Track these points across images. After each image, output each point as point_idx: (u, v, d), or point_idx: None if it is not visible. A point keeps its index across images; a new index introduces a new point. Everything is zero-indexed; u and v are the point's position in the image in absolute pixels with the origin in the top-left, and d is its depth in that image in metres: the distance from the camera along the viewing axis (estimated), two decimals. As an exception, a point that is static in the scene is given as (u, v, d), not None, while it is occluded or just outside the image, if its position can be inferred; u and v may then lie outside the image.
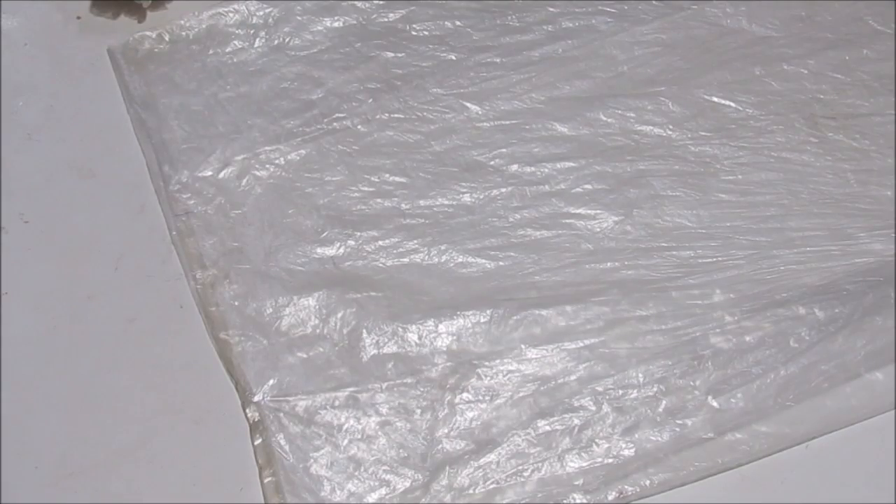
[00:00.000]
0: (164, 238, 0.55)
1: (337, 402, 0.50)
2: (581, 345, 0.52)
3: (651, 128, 0.61)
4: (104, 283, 0.53)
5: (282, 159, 0.58)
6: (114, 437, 0.49)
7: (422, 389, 0.50)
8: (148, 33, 0.62)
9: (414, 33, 0.64)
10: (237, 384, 0.51)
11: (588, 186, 0.58)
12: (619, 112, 0.61)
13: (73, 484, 0.48)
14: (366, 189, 0.57)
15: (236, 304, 0.53)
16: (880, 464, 0.50)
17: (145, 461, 0.49)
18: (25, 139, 0.59)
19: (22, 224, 0.55)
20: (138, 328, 0.52)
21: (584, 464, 0.48)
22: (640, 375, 0.51)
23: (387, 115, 0.60)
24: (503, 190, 0.58)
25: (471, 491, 0.48)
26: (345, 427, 0.49)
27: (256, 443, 0.49)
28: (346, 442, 0.49)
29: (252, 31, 0.63)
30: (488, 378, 0.51)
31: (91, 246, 0.55)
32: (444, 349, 0.52)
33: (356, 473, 0.48)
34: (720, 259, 0.55)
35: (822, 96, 0.63)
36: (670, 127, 0.61)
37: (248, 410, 0.50)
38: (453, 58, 0.63)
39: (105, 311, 0.53)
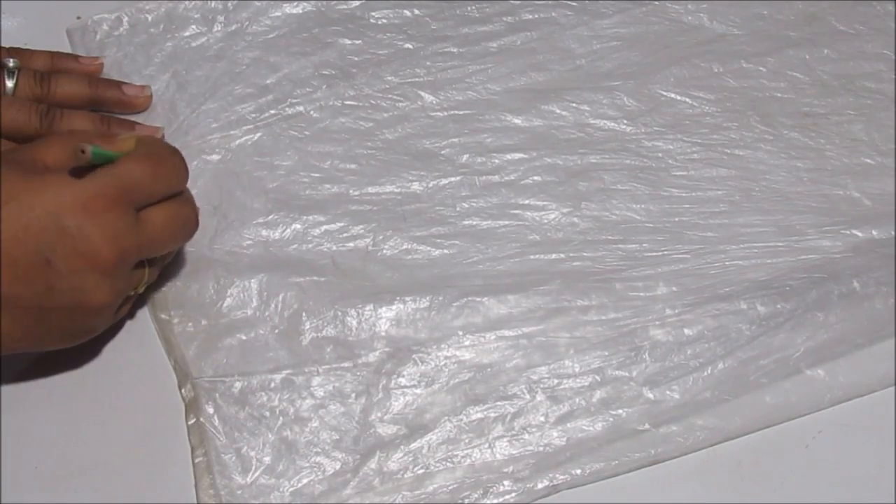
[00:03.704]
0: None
1: (273, 385, 0.50)
2: (520, 333, 0.52)
3: (605, 122, 0.61)
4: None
5: (233, 144, 0.58)
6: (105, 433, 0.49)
7: (358, 374, 0.50)
8: (107, 16, 0.63)
9: (373, 21, 0.64)
10: (175, 364, 0.51)
11: (538, 178, 0.58)
12: (574, 105, 0.61)
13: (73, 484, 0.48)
14: (315, 175, 0.57)
15: (178, 284, 0.53)
16: (880, 464, 0.49)
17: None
18: (24, 139, 0.59)
19: None
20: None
21: (515, 451, 0.48)
22: (577, 365, 0.51)
23: (340, 102, 0.60)
24: (453, 179, 0.58)
25: (400, 475, 0.47)
26: (279, 409, 0.49)
27: (190, 422, 0.49)
28: (279, 424, 0.49)
29: (211, 16, 0.63)
30: (425, 364, 0.51)
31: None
32: (383, 334, 0.52)
33: (287, 455, 0.48)
34: (666, 253, 0.55)
35: (779, 95, 0.63)
36: (624, 121, 0.61)
37: (183, 390, 0.50)
38: (410, 47, 0.63)
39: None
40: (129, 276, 0.46)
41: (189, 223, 0.49)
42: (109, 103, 0.58)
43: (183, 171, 0.47)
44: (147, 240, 0.45)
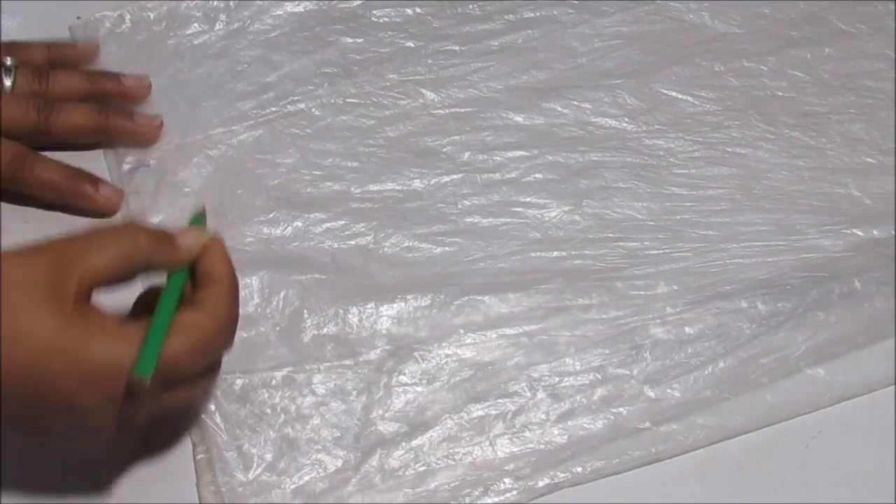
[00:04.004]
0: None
1: (274, 382, 0.50)
2: (520, 331, 0.52)
3: (606, 120, 0.61)
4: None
5: (234, 140, 0.58)
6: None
7: (359, 371, 0.50)
8: (109, 14, 0.63)
9: (374, 19, 0.64)
10: (177, 361, 0.51)
11: (539, 176, 0.58)
12: (576, 103, 0.61)
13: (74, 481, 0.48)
14: (317, 172, 0.57)
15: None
16: (880, 464, 0.49)
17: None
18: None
19: (22, 224, 0.55)
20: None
21: (516, 449, 0.48)
22: (578, 363, 0.51)
23: (342, 99, 0.60)
24: (454, 177, 0.58)
25: (401, 472, 0.47)
26: (280, 406, 0.49)
27: (192, 420, 0.49)
28: (280, 421, 0.49)
29: (212, 15, 0.63)
30: (426, 362, 0.51)
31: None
32: (385, 332, 0.52)
33: (289, 452, 0.48)
34: (667, 251, 0.55)
35: (780, 94, 0.63)
36: (626, 119, 0.61)
37: (185, 387, 0.50)
38: (412, 45, 0.63)
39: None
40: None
41: (205, 397, 0.47)
42: (109, 95, 0.57)
43: (230, 342, 0.44)
44: (161, 412, 0.42)
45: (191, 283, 0.43)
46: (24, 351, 0.37)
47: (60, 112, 0.54)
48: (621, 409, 0.50)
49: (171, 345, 0.40)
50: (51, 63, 0.58)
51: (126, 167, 0.57)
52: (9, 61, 0.55)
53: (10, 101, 0.53)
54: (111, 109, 0.56)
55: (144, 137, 0.57)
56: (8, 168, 0.52)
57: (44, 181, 0.53)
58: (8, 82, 0.54)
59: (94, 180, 0.54)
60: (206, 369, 0.43)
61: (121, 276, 0.41)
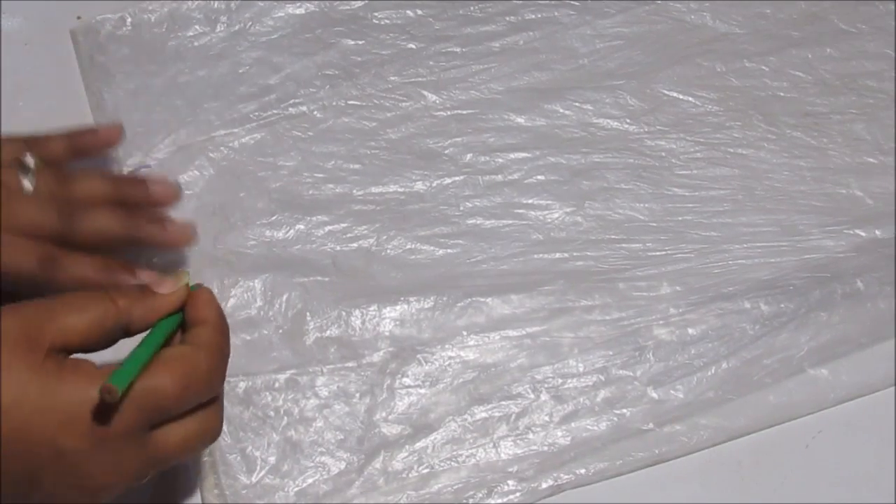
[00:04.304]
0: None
1: (277, 385, 0.50)
2: (523, 333, 0.52)
3: (608, 121, 0.61)
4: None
5: (236, 143, 0.58)
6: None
7: (362, 374, 0.50)
8: (110, 16, 0.63)
9: (375, 21, 0.64)
10: (179, 364, 0.51)
11: (541, 177, 0.58)
12: (577, 104, 0.61)
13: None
14: (319, 175, 0.57)
15: (182, 284, 0.53)
16: (880, 464, 0.50)
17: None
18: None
19: None
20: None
21: (520, 451, 0.48)
22: (581, 365, 0.51)
23: (343, 102, 0.60)
24: (456, 178, 0.58)
25: (405, 475, 0.48)
26: (283, 409, 0.49)
27: (195, 422, 0.49)
28: (283, 424, 0.49)
29: (214, 16, 0.63)
30: (429, 364, 0.51)
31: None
32: (387, 334, 0.52)
33: (292, 455, 0.48)
34: (669, 252, 0.55)
35: (782, 94, 0.63)
36: (627, 120, 0.61)
37: (188, 390, 0.50)
38: (413, 47, 0.63)
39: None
40: (127, 488, 0.40)
41: (210, 438, 0.42)
42: (135, 201, 0.52)
43: (218, 382, 0.41)
44: (155, 461, 0.39)
45: (180, 333, 0.43)
46: None
47: (86, 217, 0.49)
48: (625, 410, 0.50)
49: (153, 376, 0.38)
50: (73, 151, 0.53)
51: (127, 169, 0.57)
52: (29, 161, 0.50)
53: (31, 205, 0.48)
54: (141, 215, 0.52)
55: (177, 245, 0.53)
56: (38, 271, 0.48)
57: (77, 279, 0.48)
58: (28, 184, 0.49)
59: (129, 269, 0.49)
60: (198, 408, 0.40)
61: (98, 338, 0.40)
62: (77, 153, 0.53)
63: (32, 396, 0.36)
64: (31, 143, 0.51)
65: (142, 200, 0.52)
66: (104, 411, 0.37)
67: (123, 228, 0.50)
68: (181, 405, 0.39)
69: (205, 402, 0.40)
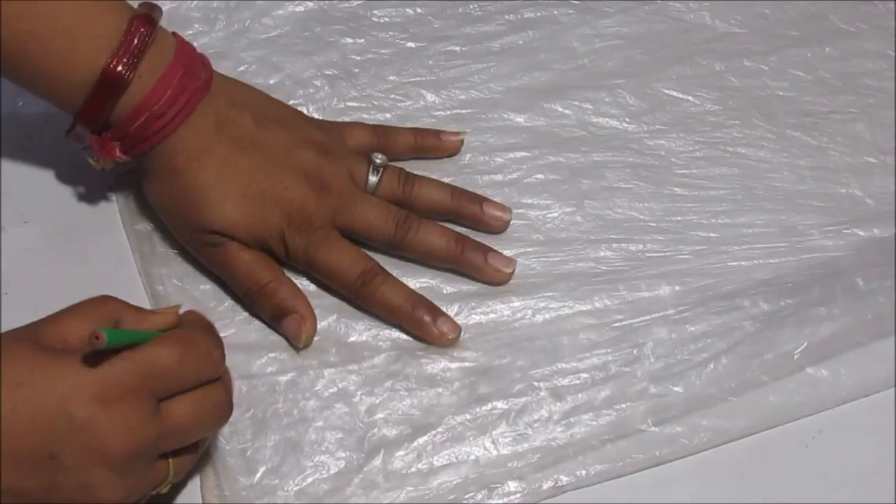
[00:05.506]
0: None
1: (277, 386, 0.50)
2: (524, 333, 0.52)
3: (607, 120, 0.61)
4: (105, 283, 0.51)
5: (235, 143, 0.58)
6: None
7: (363, 375, 0.50)
8: (109, 15, 0.62)
9: (375, 19, 0.64)
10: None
11: (541, 176, 0.58)
12: (577, 104, 0.61)
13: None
14: (318, 174, 0.57)
15: (180, 286, 0.53)
16: (880, 464, 0.49)
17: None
18: (25, 139, 0.58)
19: (22, 224, 0.55)
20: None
21: (520, 448, 0.48)
22: (581, 364, 0.51)
23: (343, 103, 0.60)
24: (455, 178, 0.57)
25: (404, 473, 0.47)
26: (283, 410, 0.49)
27: (195, 423, 0.49)
28: (283, 424, 0.49)
29: (212, 16, 0.63)
30: (430, 366, 0.51)
31: (91, 246, 0.55)
32: (388, 335, 0.52)
33: (292, 455, 0.48)
34: (669, 253, 0.55)
35: (781, 93, 0.63)
36: (627, 119, 0.61)
37: (187, 392, 0.50)
38: (413, 46, 0.63)
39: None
40: (148, 471, 0.40)
41: (220, 413, 0.43)
42: (467, 219, 0.55)
43: (218, 358, 0.42)
44: (168, 433, 0.40)
45: None
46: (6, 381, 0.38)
47: (419, 231, 0.52)
48: (624, 410, 0.50)
49: (151, 346, 0.40)
50: (417, 150, 0.57)
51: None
52: (378, 160, 0.53)
53: (374, 207, 0.52)
54: (468, 242, 0.53)
55: (490, 279, 0.53)
56: (356, 282, 0.51)
57: (385, 303, 0.51)
58: (374, 179, 0.53)
59: (435, 311, 0.51)
60: (204, 385, 0.42)
61: None
62: (419, 152, 0.56)
63: (38, 374, 0.38)
64: (380, 132, 0.55)
65: (474, 220, 0.54)
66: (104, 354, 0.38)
67: (449, 253, 0.52)
68: (182, 374, 0.40)
69: (210, 381, 0.42)
